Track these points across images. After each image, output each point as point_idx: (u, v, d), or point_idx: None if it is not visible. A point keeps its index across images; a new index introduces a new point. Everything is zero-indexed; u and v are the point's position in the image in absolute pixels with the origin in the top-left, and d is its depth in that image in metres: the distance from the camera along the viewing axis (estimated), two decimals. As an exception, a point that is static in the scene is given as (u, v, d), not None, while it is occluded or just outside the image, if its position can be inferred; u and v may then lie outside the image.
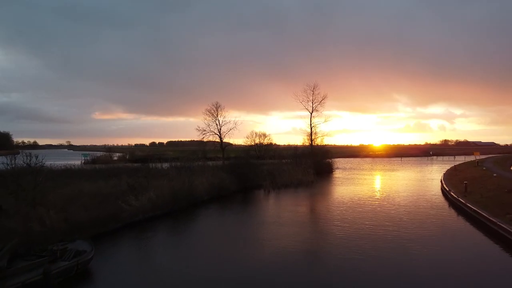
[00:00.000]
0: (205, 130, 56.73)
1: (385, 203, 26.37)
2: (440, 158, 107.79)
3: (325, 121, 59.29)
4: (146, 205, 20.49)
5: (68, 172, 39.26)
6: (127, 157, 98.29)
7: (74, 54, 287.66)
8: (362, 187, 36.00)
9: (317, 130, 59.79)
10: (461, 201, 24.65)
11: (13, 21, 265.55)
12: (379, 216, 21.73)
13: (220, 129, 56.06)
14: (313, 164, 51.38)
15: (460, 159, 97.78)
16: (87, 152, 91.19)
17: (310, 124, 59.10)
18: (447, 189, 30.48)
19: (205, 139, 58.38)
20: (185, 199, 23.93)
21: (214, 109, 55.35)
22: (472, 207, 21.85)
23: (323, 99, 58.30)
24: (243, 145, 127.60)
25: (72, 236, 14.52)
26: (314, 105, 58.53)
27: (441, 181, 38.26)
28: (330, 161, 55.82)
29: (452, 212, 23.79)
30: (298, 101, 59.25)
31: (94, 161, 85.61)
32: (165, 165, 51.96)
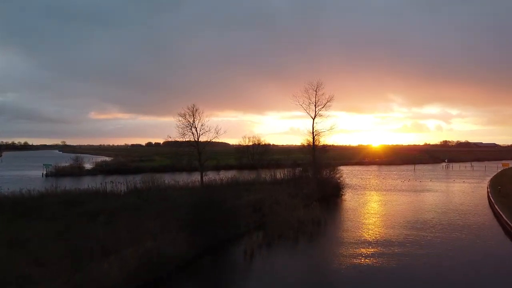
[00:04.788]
0: (177, 141, 44.46)
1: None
2: (456, 166, 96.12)
3: (331, 128, 47.10)
4: None
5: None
6: (104, 165, 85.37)
7: (70, 54, 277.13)
8: (388, 231, 23.93)
9: (321, 139, 47.82)
10: None
11: (7, 21, 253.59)
12: None
13: (198, 138, 43.59)
14: (316, 187, 39.46)
15: (479, 169, 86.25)
16: (53, 159, 77.84)
17: (313, 133, 46.84)
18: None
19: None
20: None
21: (190, 113, 42.81)
22: None
23: (328, 101, 45.99)
24: (237, 145, 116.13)
25: None
26: (317, 109, 46.32)
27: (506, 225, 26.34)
28: (338, 179, 43.68)
29: None
30: (298, 103, 46.95)
31: (59, 172, 72.79)
32: (125, 185, 40.11)
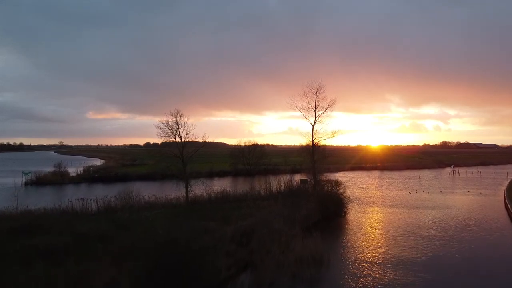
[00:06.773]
0: (160, 151, 39.62)
1: None
2: (462, 171, 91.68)
3: (333, 135, 42.42)
4: None
5: None
6: (91, 171, 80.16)
7: (67, 54, 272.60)
8: (405, 273, 19.19)
9: (321, 144, 43.24)
10: None
11: (4, 21, 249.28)
12: None
13: (183, 148, 38.65)
14: (317, 205, 34.67)
15: (488, 175, 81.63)
16: (29, 170, 71.88)
17: (312, 141, 42.09)
18: None
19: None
20: None
21: (174, 119, 37.76)
22: None
23: (329, 105, 41.18)
24: (234, 145, 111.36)
25: None
26: (317, 114, 41.53)
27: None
28: (340, 195, 38.85)
29: None
30: (297, 108, 42.17)
31: (39, 180, 67.39)
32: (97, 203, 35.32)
